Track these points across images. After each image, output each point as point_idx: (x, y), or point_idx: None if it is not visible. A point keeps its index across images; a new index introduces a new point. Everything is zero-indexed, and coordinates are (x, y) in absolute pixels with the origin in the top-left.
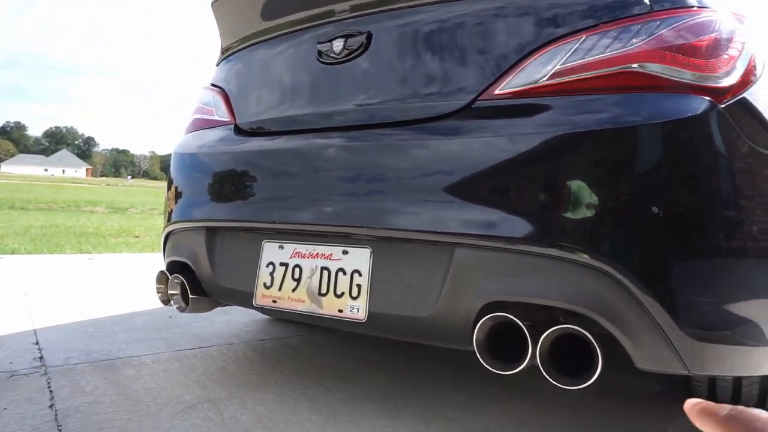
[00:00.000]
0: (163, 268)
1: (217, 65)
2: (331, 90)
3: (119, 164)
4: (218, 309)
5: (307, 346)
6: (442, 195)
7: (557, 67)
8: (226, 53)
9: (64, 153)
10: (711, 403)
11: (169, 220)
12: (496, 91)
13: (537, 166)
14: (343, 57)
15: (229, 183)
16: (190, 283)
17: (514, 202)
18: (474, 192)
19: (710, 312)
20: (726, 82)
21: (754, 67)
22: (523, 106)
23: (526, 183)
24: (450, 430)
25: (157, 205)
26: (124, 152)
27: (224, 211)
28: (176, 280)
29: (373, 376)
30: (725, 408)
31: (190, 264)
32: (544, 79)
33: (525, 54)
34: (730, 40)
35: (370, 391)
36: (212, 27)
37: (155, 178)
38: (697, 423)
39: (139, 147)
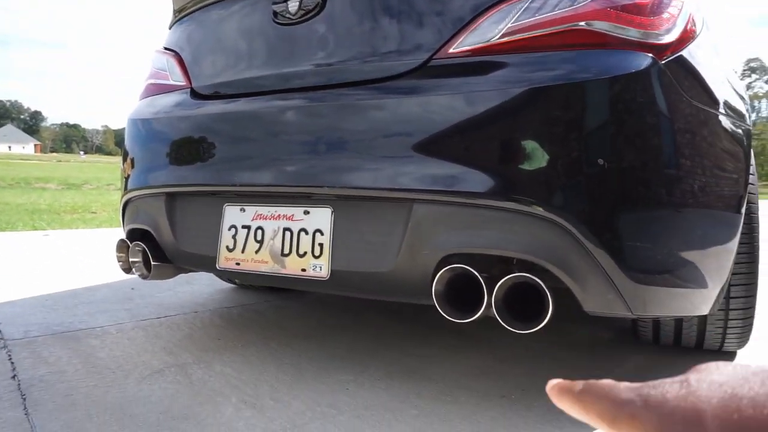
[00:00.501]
0: (123, 236)
1: (170, 28)
2: (288, 51)
3: (70, 139)
4: (182, 280)
5: (273, 311)
6: (400, 152)
7: (509, 25)
8: (179, 15)
9: (9, 128)
10: (567, 381)
11: (126, 188)
12: (451, 50)
13: (491, 122)
14: (298, 18)
15: (187, 147)
16: (152, 250)
17: (470, 158)
18: (430, 149)
19: (651, 257)
20: (667, 39)
21: (693, 25)
22: (477, 64)
23: (480, 139)
24: (412, 380)
25: (113, 180)
26: (75, 127)
27: (184, 176)
28: (137, 248)
29: (339, 336)
30: (579, 384)
31: (150, 231)
32: (497, 37)
33: (478, 13)
34: (669, 1)
35: (336, 350)
36: None
37: (110, 153)
38: (557, 402)
39: (92, 121)
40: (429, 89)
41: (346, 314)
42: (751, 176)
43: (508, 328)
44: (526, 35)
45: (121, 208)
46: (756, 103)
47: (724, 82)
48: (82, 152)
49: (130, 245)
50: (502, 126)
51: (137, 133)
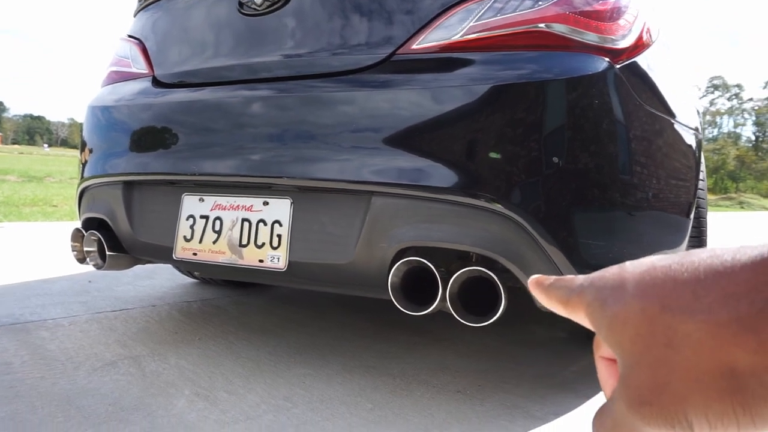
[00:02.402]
0: (79, 225)
1: (135, 15)
2: (252, 42)
3: (34, 131)
4: (142, 274)
5: (233, 306)
6: (360, 145)
7: (471, 23)
8: (144, 3)
9: None
10: (543, 276)
11: (83, 176)
12: (414, 46)
13: (450, 118)
14: (264, 9)
15: (147, 136)
16: (108, 240)
17: (428, 153)
18: (390, 142)
19: (602, 255)
20: (622, 44)
21: (648, 34)
22: (439, 60)
23: (439, 134)
24: (371, 375)
25: (77, 173)
26: (39, 119)
27: (142, 164)
28: (93, 237)
29: (300, 331)
30: (550, 279)
31: (107, 220)
32: (459, 35)
33: (442, 10)
34: (627, 6)
35: (296, 344)
36: None
37: (75, 147)
38: (534, 293)
39: (57, 114)
40: (391, 84)
41: (307, 311)
42: (700, 182)
43: (462, 321)
44: (487, 34)
45: (77, 197)
46: (718, 119)
47: (679, 91)
48: (45, 145)
49: (85, 234)
50: (461, 122)
51: (96, 121)
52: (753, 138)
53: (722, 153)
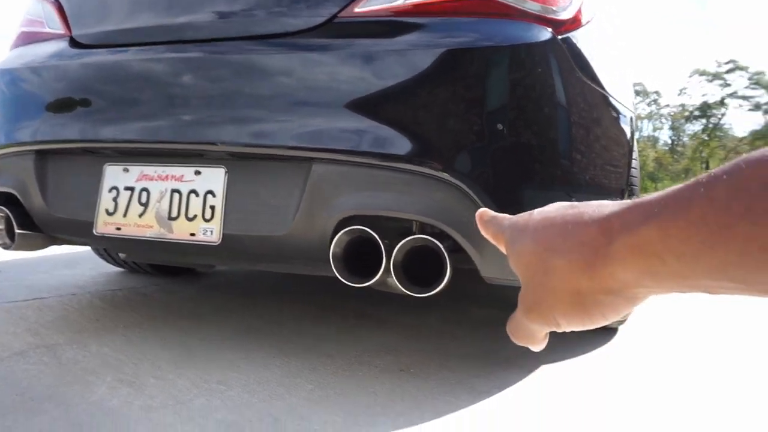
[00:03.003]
0: None
1: None
2: (183, 1)
3: None
4: (61, 263)
5: (163, 294)
6: (300, 110)
7: None
8: None
9: None
10: (485, 211)
11: None
12: (356, 9)
13: (392, 83)
14: None
15: (63, 101)
16: (17, 217)
17: (371, 118)
18: (332, 107)
19: None
20: (563, 15)
21: (587, 10)
22: (382, 24)
23: (381, 100)
24: (309, 357)
25: None
26: None
27: (58, 132)
28: (0, 214)
29: (233, 317)
30: (489, 215)
31: (16, 194)
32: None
33: None
34: None
35: (229, 330)
36: None
37: None
38: (479, 226)
39: None
40: (332, 47)
41: (240, 298)
42: (633, 160)
43: (406, 292)
44: None
45: None
46: (639, 123)
47: (617, 71)
48: None
49: None
50: (404, 88)
51: (3, 86)
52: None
53: (642, 155)
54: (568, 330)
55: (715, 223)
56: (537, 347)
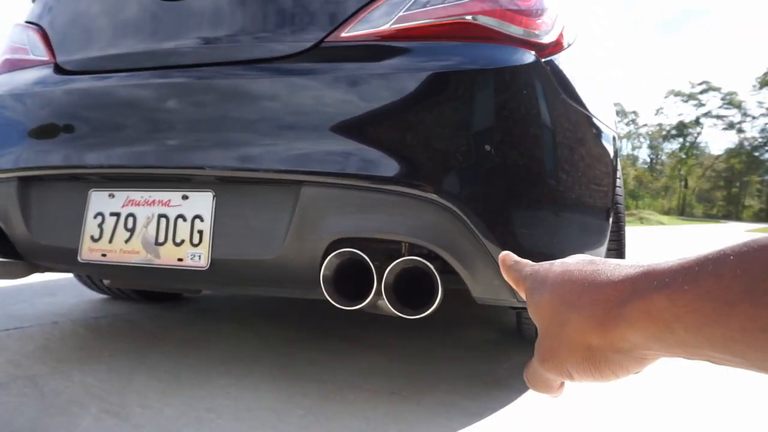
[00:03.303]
0: None
1: (34, 1)
2: (171, 27)
3: None
4: (43, 291)
5: (148, 320)
6: (289, 134)
7: (401, 13)
8: None
9: None
10: (509, 255)
11: None
12: (343, 34)
13: (381, 106)
14: None
15: (47, 127)
16: None
17: (360, 141)
18: (320, 130)
19: (534, 246)
20: (546, 39)
21: (568, 34)
22: (369, 48)
23: (370, 123)
24: (299, 383)
25: None
26: None
27: (42, 158)
28: None
29: (221, 343)
30: (512, 260)
31: None
32: (389, 24)
33: None
34: (548, 7)
35: (218, 356)
36: None
37: None
38: (501, 265)
39: None
40: (319, 71)
41: (228, 323)
42: (618, 179)
43: (398, 314)
44: (416, 24)
45: None
46: (618, 142)
47: (599, 93)
48: None
49: None
50: (392, 111)
51: None
52: (648, 160)
53: (623, 173)
54: (580, 382)
55: (720, 300)
56: (553, 395)
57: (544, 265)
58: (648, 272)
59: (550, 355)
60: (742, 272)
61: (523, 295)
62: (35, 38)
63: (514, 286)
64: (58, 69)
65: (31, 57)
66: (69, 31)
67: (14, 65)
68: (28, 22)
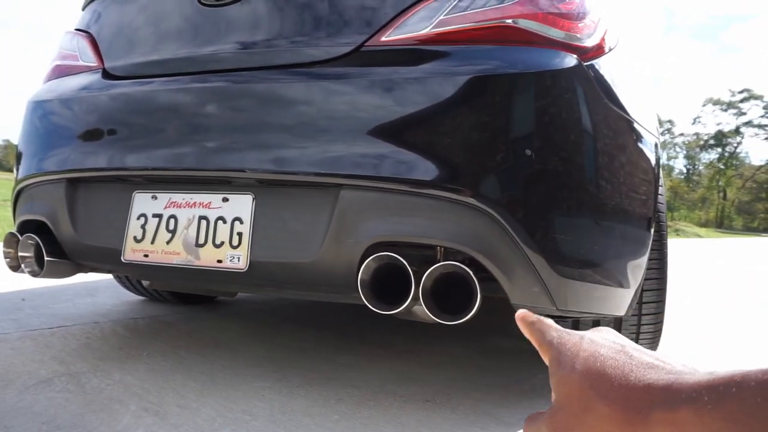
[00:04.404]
0: (14, 230)
1: (83, 9)
2: (212, 33)
3: None
4: (83, 291)
5: (185, 321)
6: (328, 137)
7: (441, 17)
8: None
9: None
10: (528, 313)
11: (21, 175)
12: (383, 38)
13: (421, 110)
14: None
15: (94, 130)
16: (46, 244)
17: (400, 145)
18: (360, 134)
19: (575, 253)
20: (588, 43)
21: (610, 37)
22: (409, 52)
23: (410, 126)
24: (333, 387)
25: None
26: None
27: (89, 160)
28: (29, 241)
29: (256, 346)
30: (534, 317)
31: (47, 222)
32: (429, 28)
33: (412, 3)
34: (591, 9)
35: (252, 358)
36: None
37: (10, 170)
38: (520, 326)
39: None
40: (360, 75)
41: (262, 326)
42: (660, 187)
43: (435, 319)
44: (457, 27)
45: (13, 199)
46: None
47: (642, 97)
48: None
49: (21, 239)
50: (432, 114)
51: (37, 116)
52: (684, 170)
53: None
54: None
55: (741, 423)
56: None
57: (574, 337)
58: (679, 381)
59: (564, 430)
60: (762, 400)
61: (545, 359)
62: (84, 44)
63: (536, 346)
64: (106, 74)
65: (80, 63)
66: (116, 37)
67: (64, 71)
68: (77, 29)
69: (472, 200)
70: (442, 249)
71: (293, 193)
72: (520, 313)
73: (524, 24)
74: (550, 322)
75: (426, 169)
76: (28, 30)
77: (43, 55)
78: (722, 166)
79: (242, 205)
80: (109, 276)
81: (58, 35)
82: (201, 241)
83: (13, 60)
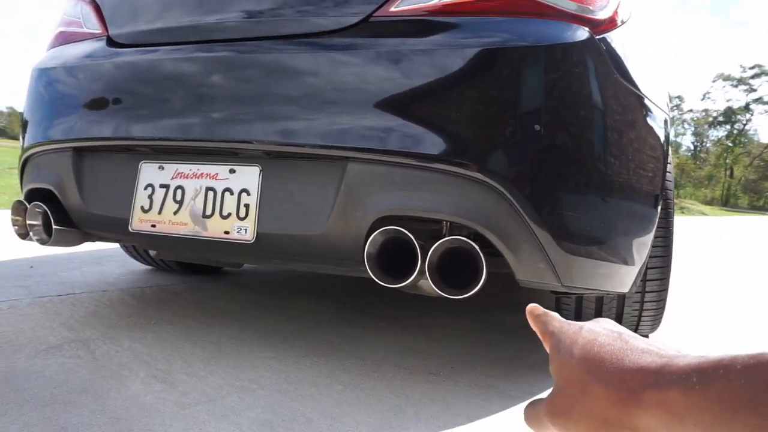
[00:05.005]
0: (21, 198)
1: None
2: (218, 0)
3: None
4: (90, 260)
5: (191, 292)
6: (335, 109)
7: None
8: None
9: None
10: (536, 306)
11: (27, 143)
12: (392, 9)
13: (429, 83)
14: None
15: (100, 99)
16: (54, 213)
17: (408, 118)
18: (368, 107)
19: (581, 230)
20: (600, 15)
21: (624, 9)
22: (417, 23)
23: (418, 99)
24: (339, 358)
25: (16, 164)
26: None
27: (95, 130)
28: (37, 209)
29: (262, 316)
30: (540, 310)
31: (54, 191)
32: None
33: None
34: None
35: (258, 329)
36: None
37: (14, 138)
38: (529, 319)
39: None
40: (368, 47)
41: (269, 297)
42: (668, 164)
43: (441, 293)
44: None
45: (20, 167)
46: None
47: (654, 72)
48: None
49: (29, 207)
50: (441, 87)
51: (42, 84)
52: (692, 147)
53: None
54: None
55: (726, 404)
56: None
57: (573, 327)
58: (670, 364)
59: (562, 413)
60: (746, 382)
61: (547, 348)
62: (88, 11)
63: (540, 336)
64: (110, 42)
65: (84, 30)
66: (120, 4)
67: (68, 38)
68: None
69: (479, 175)
70: (449, 224)
71: (300, 165)
72: (530, 306)
73: None
74: (554, 314)
75: (433, 143)
76: (29, 30)
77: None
78: (730, 144)
79: (249, 176)
80: (116, 245)
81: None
82: (208, 212)
83: (13, 60)
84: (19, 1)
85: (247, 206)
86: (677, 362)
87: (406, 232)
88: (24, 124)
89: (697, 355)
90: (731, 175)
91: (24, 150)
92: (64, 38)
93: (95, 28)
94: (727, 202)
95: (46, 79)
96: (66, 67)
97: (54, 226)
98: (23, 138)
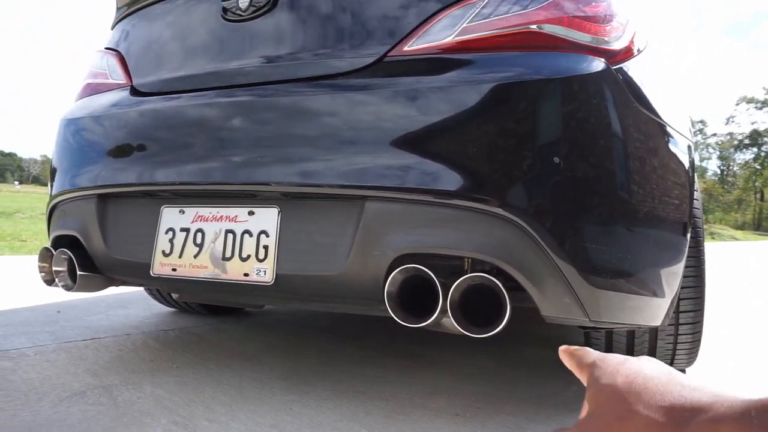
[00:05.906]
0: (48, 244)
1: (112, 28)
2: (237, 47)
3: (4, 169)
4: (116, 304)
5: (214, 333)
6: (352, 148)
7: (464, 24)
8: (122, 13)
9: None
10: (571, 347)
11: (54, 191)
12: (406, 48)
13: (446, 119)
14: (249, 14)
15: (123, 146)
16: (79, 259)
17: (425, 155)
18: (384, 145)
19: (607, 263)
20: (616, 46)
21: (639, 39)
22: (432, 62)
23: (436, 136)
24: (361, 400)
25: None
26: (11, 156)
27: (119, 176)
28: (63, 256)
29: (284, 358)
30: (576, 348)
31: (79, 237)
32: (452, 36)
33: (434, 12)
34: (618, 11)
35: (280, 371)
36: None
37: (46, 184)
38: (562, 357)
39: (29, 150)
40: (383, 86)
41: (290, 337)
42: (695, 191)
43: (464, 332)
44: (481, 35)
45: (47, 215)
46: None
47: (673, 100)
48: (16, 182)
49: (55, 253)
50: (458, 124)
51: (69, 134)
52: (718, 171)
53: None
54: None
55: None
56: None
57: (618, 358)
58: (723, 400)
59: None
60: None
61: (583, 380)
62: (114, 63)
63: (576, 371)
64: (134, 91)
65: (110, 81)
66: (143, 54)
67: (95, 89)
68: (107, 48)
69: (499, 210)
70: (470, 260)
71: (318, 205)
72: (563, 347)
73: (549, 29)
74: (589, 349)
75: (452, 180)
76: (29, 30)
77: (43, 54)
78: (758, 166)
79: (268, 218)
80: (141, 288)
81: (57, 35)
82: (228, 254)
83: (13, 60)
84: (19, 1)
85: (266, 248)
86: (732, 399)
87: (427, 270)
88: (52, 173)
89: (742, 398)
90: (762, 198)
91: (51, 198)
92: (91, 89)
93: (120, 78)
94: (759, 226)
95: (73, 128)
96: (92, 116)
97: (78, 272)
98: (51, 186)
